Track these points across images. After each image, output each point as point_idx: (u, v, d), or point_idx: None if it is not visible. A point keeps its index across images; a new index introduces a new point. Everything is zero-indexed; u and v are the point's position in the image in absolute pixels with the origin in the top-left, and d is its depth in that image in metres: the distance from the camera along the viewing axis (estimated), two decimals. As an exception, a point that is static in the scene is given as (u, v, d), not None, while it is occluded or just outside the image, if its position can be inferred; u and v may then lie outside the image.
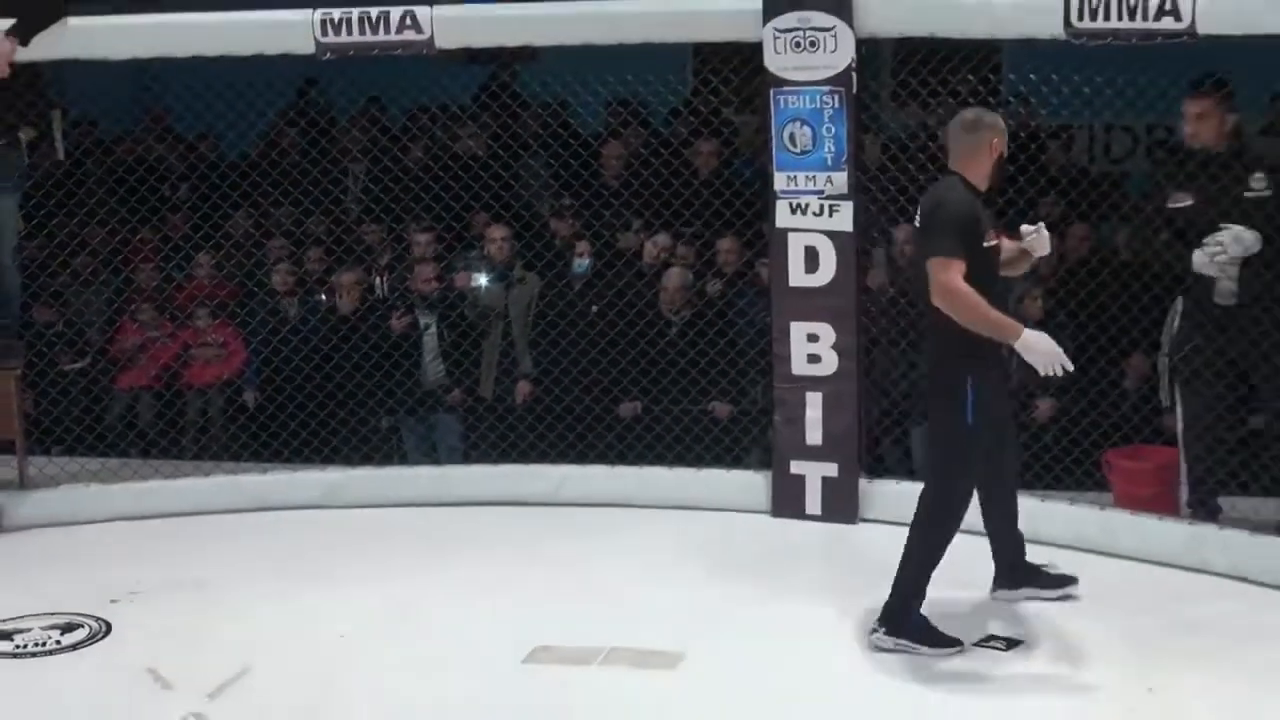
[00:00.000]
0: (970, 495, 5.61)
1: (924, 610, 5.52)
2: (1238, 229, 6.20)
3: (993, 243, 5.51)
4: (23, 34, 6.76)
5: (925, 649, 5.45)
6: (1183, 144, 6.45)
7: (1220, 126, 6.34)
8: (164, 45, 7.12)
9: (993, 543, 5.86)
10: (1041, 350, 5.32)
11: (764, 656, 5.50)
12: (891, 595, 5.52)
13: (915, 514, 5.62)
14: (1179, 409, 6.62)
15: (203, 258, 8.97)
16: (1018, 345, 5.36)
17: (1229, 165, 6.29)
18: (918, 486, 6.32)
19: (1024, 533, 5.88)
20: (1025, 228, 5.65)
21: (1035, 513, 6.40)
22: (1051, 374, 5.42)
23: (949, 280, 5.40)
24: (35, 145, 7.35)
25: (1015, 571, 5.86)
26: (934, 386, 5.69)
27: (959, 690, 5.25)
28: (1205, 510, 6.43)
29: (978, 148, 5.51)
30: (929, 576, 5.53)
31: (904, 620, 5.48)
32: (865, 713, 5.16)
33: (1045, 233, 5.65)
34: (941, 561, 5.50)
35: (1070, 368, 5.40)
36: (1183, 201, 6.36)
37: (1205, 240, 6.26)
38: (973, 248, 5.42)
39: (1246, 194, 6.25)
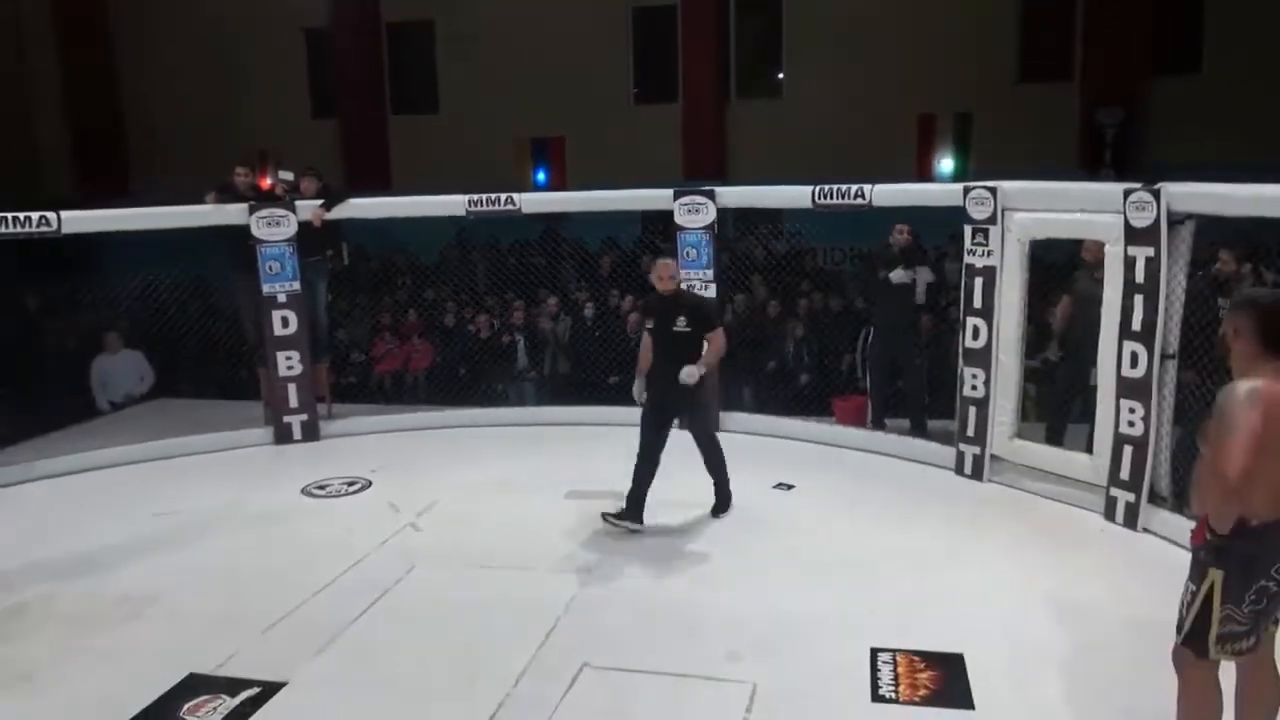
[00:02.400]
0: (645, 442, 4.74)
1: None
2: (925, 269, 6.19)
3: (646, 327, 4.83)
4: (327, 207, 6.56)
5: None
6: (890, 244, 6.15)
7: (907, 235, 6.14)
8: (413, 211, 6.75)
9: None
10: (634, 390, 4.88)
11: (663, 492, 5.15)
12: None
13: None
14: (868, 379, 6.50)
15: (412, 311, 8.77)
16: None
17: (910, 255, 6.18)
18: (744, 415, 6.13)
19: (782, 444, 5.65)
20: (684, 370, 4.56)
21: (800, 427, 6.33)
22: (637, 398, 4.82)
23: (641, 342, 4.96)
24: (333, 258, 7.05)
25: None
26: None
27: (764, 505, 5.13)
28: (879, 425, 6.29)
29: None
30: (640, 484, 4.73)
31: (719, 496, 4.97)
32: (726, 527, 4.95)
33: (690, 373, 4.57)
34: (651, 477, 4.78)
35: (641, 400, 4.73)
36: (883, 274, 6.19)
37: (914, 267, 6.10)
38: (649, 326, 4.86)
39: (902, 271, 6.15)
